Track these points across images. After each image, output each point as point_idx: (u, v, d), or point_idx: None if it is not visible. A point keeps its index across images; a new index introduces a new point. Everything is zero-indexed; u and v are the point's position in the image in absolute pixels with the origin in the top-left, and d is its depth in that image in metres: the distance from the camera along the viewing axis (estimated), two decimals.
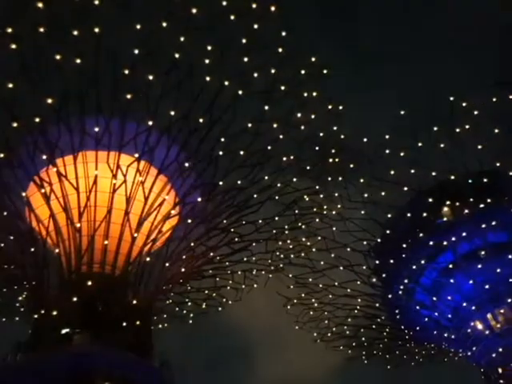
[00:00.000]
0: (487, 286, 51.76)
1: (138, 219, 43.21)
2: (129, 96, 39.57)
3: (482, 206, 51.71)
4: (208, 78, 40.91)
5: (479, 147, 51.13)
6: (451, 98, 49.52)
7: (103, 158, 42.13)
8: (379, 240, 54.82)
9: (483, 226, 51.29)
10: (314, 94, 44.45)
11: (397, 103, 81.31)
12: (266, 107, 43.56)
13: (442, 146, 51.55)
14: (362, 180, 52.35)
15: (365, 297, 58.58)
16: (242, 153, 44.65)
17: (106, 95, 39.68)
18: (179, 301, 54.99)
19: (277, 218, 50.17)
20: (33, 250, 41.44)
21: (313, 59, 43.05)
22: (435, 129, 51.24)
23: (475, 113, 49.89)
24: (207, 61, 40.41)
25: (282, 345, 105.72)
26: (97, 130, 40.80)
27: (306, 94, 44.41)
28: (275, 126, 44.60)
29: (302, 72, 43.45)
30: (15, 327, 51.45)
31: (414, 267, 54.05)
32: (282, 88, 43.48)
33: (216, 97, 41.80)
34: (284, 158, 46.81)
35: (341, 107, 45.94)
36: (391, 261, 54.69)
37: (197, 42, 39.62)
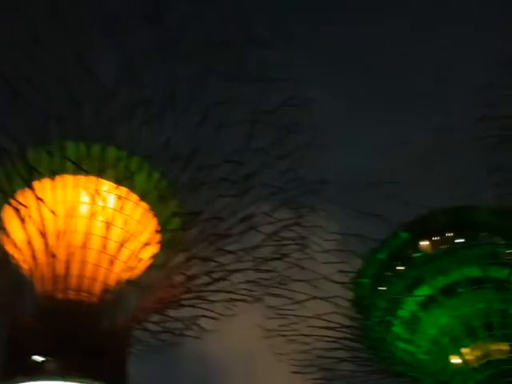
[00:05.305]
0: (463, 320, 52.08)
1: (117, 246, 42.82)
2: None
3: (458, 240, 52.49)
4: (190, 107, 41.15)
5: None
6: None
7: (82, 183, 41.89)
8: (358, 272, 54.99)
9: (460, 260, 51.86)
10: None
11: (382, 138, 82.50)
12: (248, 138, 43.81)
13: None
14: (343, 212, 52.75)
15: (344, 329, 58.25)
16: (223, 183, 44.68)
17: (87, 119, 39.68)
18: (156, 330, 54.06)
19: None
20: (7, 275, 40.78)
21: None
22: None
23: None
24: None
25: (259, 376, 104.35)
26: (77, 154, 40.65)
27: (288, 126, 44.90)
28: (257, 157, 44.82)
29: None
30: None
31: (392, 300, 54.23)
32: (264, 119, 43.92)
33: (198, 126, 42.01)
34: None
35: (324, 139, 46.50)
36: (369, 293, 54.82)
37: (178, 69, 39.92)
